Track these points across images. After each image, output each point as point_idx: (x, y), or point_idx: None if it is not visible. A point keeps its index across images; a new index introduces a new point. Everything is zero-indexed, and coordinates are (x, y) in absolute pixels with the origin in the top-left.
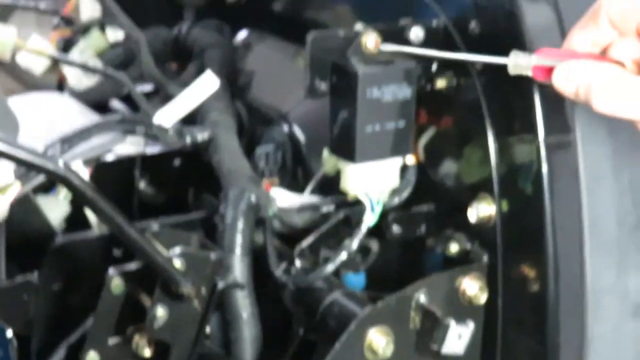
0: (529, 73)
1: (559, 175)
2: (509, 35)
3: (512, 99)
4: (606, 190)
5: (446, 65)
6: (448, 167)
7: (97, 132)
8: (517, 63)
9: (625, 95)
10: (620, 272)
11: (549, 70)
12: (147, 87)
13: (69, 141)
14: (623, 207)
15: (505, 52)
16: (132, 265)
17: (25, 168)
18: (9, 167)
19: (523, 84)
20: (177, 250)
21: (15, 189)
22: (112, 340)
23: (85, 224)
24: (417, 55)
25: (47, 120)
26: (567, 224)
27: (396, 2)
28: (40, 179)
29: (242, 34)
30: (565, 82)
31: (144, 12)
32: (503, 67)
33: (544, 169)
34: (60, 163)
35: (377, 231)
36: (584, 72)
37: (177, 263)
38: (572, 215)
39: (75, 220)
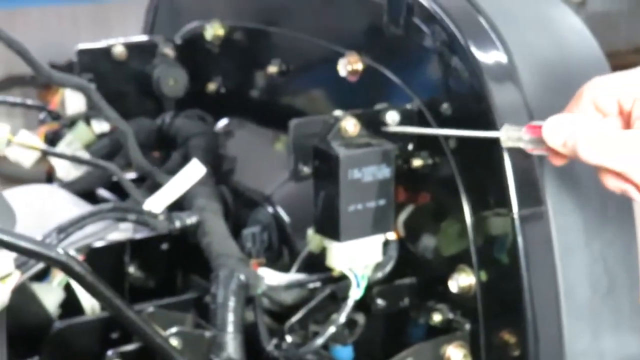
0: (521, 145)
1: (533, 246)
2: (479, 115)
3: (485, 175)
4: (579, 257)
5: (422, 145)
6: (428, 242)
7: (91, 221)
8: (510, 135)
9: (610, 146)
10: (596, 335)
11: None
12: (131, 175)
13: (64, 230)
14: (595, 273)
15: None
16: (130, 346)
17: (27, 257)
18: (9, 256)
19: (495, 160)
20: (174, 329)
21: (15, 278)
22: None
23: (78, 309)
24: (398, 136)
25: (40, 211)
26: (543, 291)
27: (371, 87)
28: (38, 267)
29: (223, 122)
30: (553, 134)
31: (126, 103)
32: (475, 146)
33: (519, 240)
34: (61, 251)
35: (362, 304)
36: (571, 125)
37: (174, 342)
38: (547, 282)
39: (69, 306)
